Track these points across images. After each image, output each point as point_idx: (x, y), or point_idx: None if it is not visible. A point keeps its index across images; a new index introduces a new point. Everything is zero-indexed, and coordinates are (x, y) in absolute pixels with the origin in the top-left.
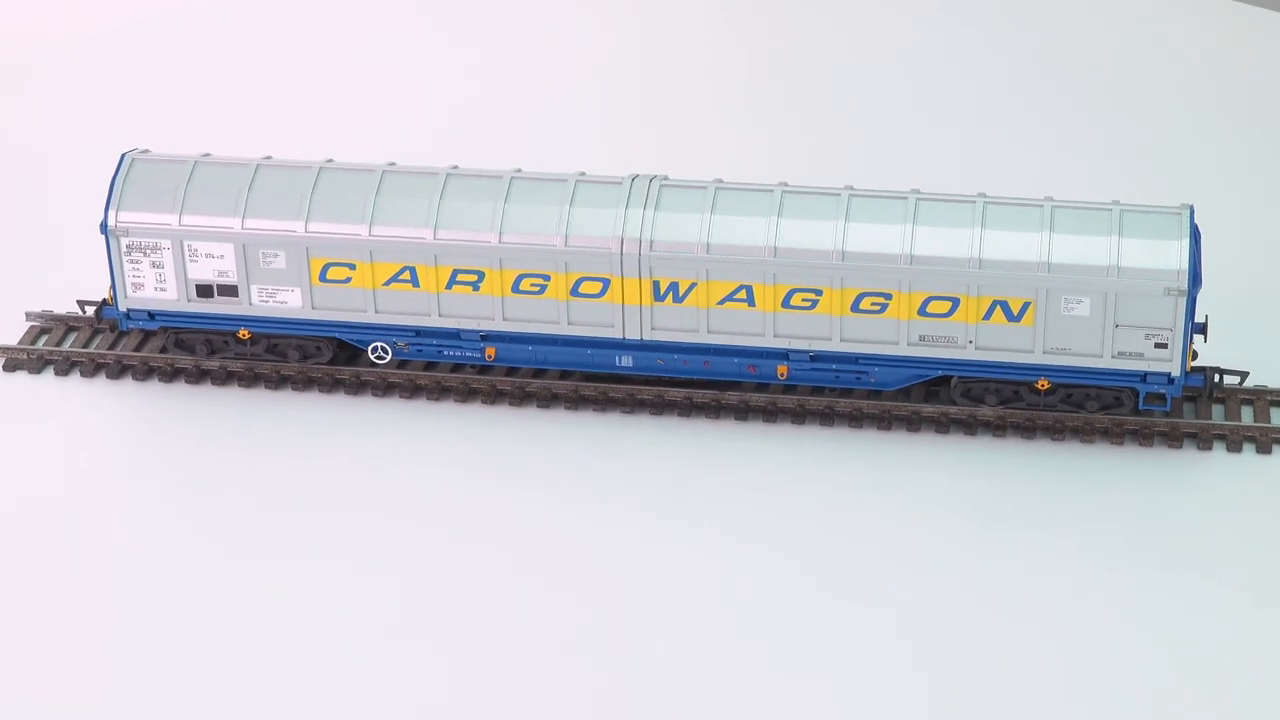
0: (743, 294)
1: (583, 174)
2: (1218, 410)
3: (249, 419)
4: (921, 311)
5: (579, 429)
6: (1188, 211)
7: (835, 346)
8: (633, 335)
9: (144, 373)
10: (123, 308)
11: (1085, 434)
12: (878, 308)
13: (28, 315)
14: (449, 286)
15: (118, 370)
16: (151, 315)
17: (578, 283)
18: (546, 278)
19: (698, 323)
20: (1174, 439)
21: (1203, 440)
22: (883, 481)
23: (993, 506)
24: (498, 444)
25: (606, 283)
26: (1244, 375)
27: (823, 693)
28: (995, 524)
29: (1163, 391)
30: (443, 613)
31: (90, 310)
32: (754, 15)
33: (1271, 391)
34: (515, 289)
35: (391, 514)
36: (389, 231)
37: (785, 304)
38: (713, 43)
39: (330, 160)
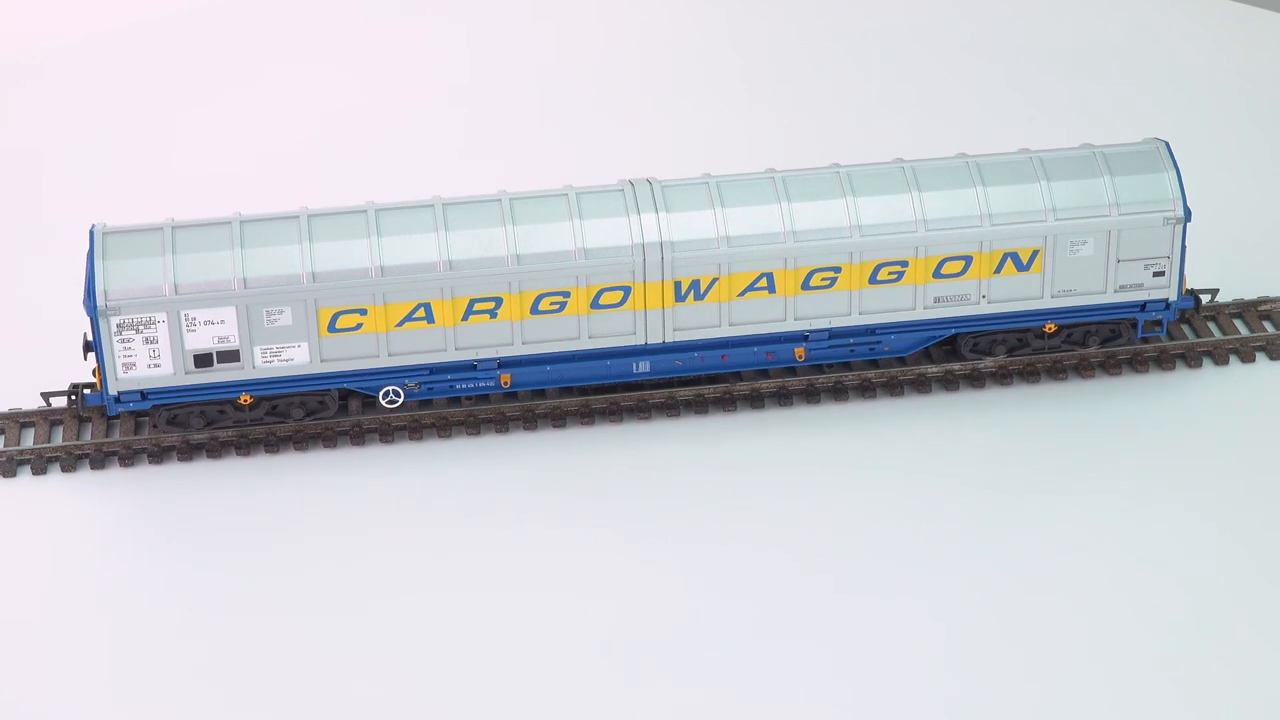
0: (763, 282)
1: (570, 186)
2: (1187, 330)
3: (255, 488)
4: (936, 274)
5: (598, 443)
6: (1163, 144)
7: (854, 321)
8: (655, 339)
9: (129, 457)
10: (113, 391)
11: (1084, 369)
12: (894, 276)
13: None
14: (465, 317)
15: (101, 459)
16: (144, 395)
17: (598, 294)
18: (566, 294)
19: (719, 317)
20: (1165, 362)
21: (1191, 359)
22: (907, 449)
23: (1013, 458)
24: (522, 472)
25: (628, 290)
26: (1214, 292)
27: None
28: (1018, 477)
29: (1159, 317)
30: (514, 653)
31: (56, 401)
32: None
33: (1228, 305)
34: (534, 310)
35: (435, 561)
36: (401, 271)
37: (805, 286)
38: (654, 38)
39: (305, 207)
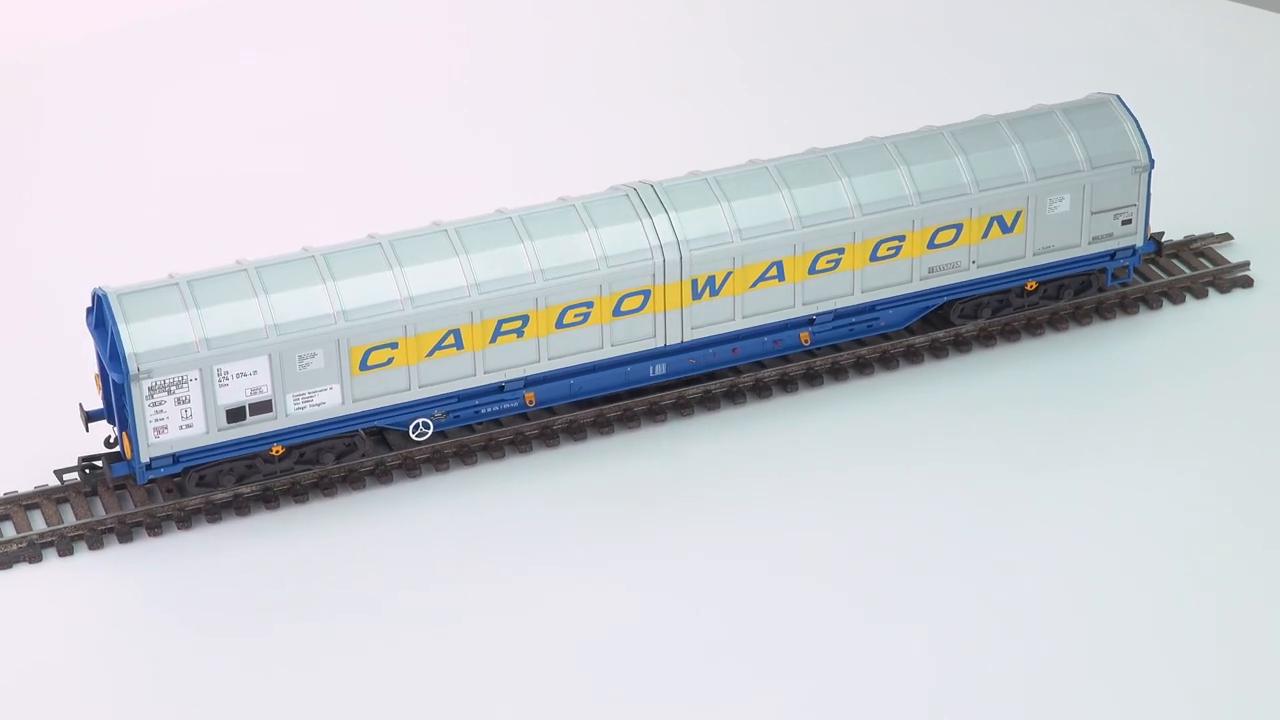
0: (773, 271)
1: (565, 197)
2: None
3: (292, 542)
4: (930, 245)
5: (621, 450)
6: (1115, 97)
7: (856, 299)
8: (673, 340)
9: (155, 526)
10: (145, 458)
11: (1057, 323)
12: (893, 251)
13: None
14: (494, 339)
15: (126, 532)
16: (176, 458)
17: (620, 301)
18: (590, 304)
19: (733, 311)
20: (1129, 306)
21: (1151, 301)
22: (908, 425)
23: (1008, 424)
24: (556, 490)
25: (647, 294)
26: (1160, 235)
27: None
28: (1016, 446)
29: (1126, 264)
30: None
31: (70, 476)
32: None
33: (1165, 247)
34: (559, 324)
35: (502, 596)
36: (430, 298)
37: (811, 270)
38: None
39: (309, 247)
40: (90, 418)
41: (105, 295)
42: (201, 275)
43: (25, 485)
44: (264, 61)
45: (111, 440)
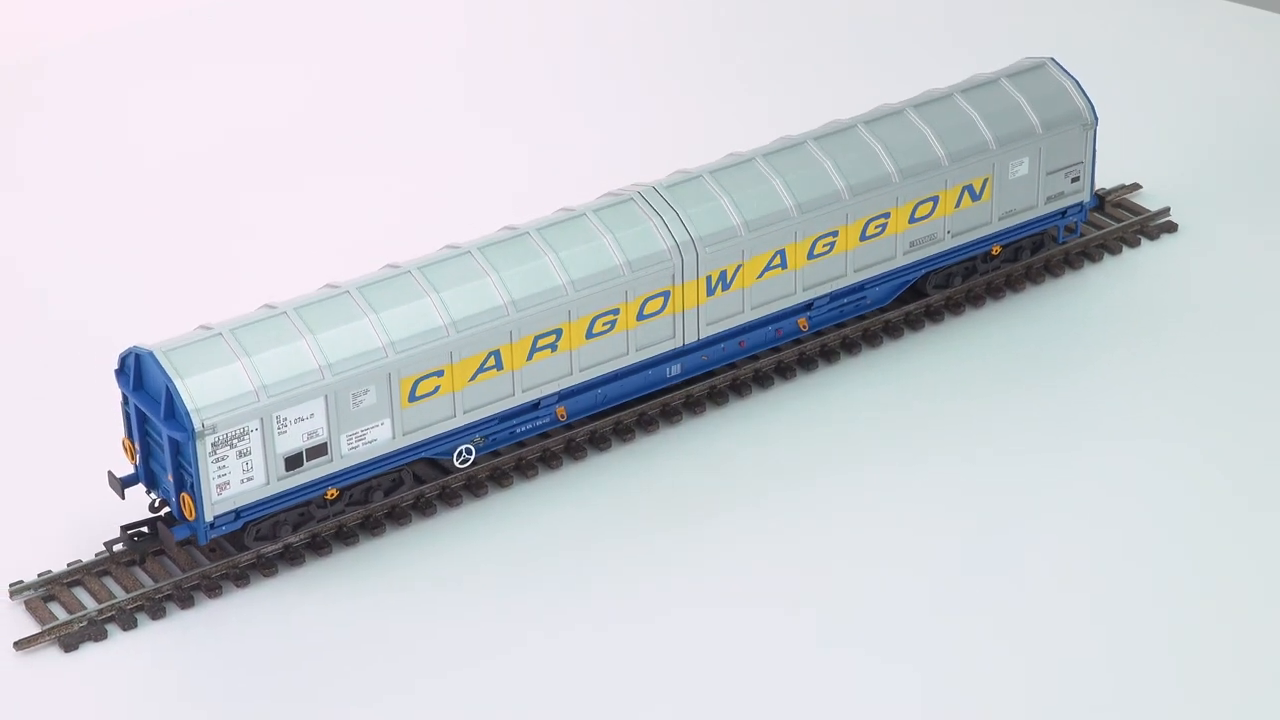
0: (777, 260)
1: (566, 207)
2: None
3: (354, 591)
4: (911, 220)
5: (646, 455)
6: (1051, 60)
7: (849, 280)
8: (690, 339)
9: (213, 587)
10: (209, 516)
11: (1015, 284)
12: (879, 230)
13: (12, 591)
14: (530, 357)
15: (185, 596)
16: (237, 514)
17: (642, 305)
18: (616, 311)
19: (742, 304)
20: (1074, 262)
21: (1092, 255)
22: (904, 407)
23: (998, 395)
24: (598, 501)
25: (667, 295)
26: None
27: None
28: (1005, 420)
29: (1075, 220)
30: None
31: (118, 546)
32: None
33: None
34: (589, 335)
35: (574, 622)
36: (470, 322)
37: (810, 255)
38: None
39: (332, 284)
40: (125, 483)
41: (151, 353)
42: (241, 322)
43: (53, 564)
44: (263, 62)
45: (156, 504)
